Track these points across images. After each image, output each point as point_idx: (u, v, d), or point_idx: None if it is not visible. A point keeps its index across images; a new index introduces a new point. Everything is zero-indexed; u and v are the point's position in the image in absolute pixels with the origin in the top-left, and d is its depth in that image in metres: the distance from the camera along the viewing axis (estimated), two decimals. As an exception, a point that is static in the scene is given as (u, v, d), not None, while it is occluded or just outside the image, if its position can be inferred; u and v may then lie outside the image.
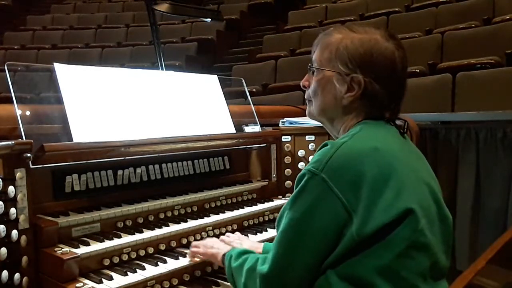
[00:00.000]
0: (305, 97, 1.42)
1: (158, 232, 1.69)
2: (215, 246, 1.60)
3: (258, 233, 1.97)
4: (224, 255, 1.48)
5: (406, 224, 1.10)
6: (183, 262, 1.63)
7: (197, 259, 1.65)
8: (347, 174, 1.12)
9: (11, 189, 1.38)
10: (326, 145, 1.20)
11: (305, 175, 1.16)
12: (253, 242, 1.76)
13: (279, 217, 1.24)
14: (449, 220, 1.27)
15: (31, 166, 1.47)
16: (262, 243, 1.69)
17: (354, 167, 1.12)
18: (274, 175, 2.42)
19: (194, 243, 1.68)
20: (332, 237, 1.12)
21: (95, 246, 1.52)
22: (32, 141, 1.45)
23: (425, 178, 1.24)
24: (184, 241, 1.76)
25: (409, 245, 1.10)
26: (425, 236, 1.13)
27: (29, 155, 1.42)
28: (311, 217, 1.13)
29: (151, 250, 1.67)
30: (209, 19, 2.80)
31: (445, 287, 1.24)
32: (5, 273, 1.32)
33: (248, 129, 2.35)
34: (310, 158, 2.31)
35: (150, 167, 1.92)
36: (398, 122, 1.34)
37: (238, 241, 1.72)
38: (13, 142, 1.40)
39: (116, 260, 1.56)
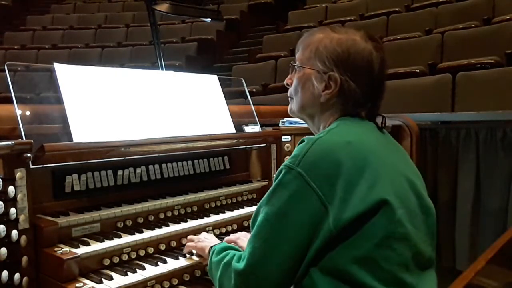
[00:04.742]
0: (288, 94, 1.45)
1: (158, 232, 1.69)
2: (206, 239, 1.63)
3: (258, 233, 1.97)
4: (210, 248, 1.48)
5: (381, 214, 1.11)
6: (183, 262, 1.63)
7: (195, 258, 1.65)
8: (323, 167, 1.14)
9: (11, 189, 1.38)
10: (303, 141, 1.22)
11: (282, 170, 1.20)
12: None
13: (255, 215, 1.24)
14: (432, 210, 1.28)
15: (31, 166, 1.46)
16: None
17: (329, 160, 1.14)
18: (274, 175, 2.41)
19: (189, 237, 1.71)
20: (309, 231, 1.13)
21: (95, 246, 1.52)
22: (32, 141, 1.45)
23: (403, 171, 1.25)
24: (184, 241, 1.76)
25: (387, 235, 1.11)
26: (404, 227, 1.14)
27: (29, 155, 1.42)
28: (288, 212, 1.15)
29: (151, 250, 1.67)
30: (209, 19, 2.79)
31: (433, 276, 1.24)
32: (5, 273, 1.33)
33: (248, 129, 2.35)
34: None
35: (150, 167, 1.92)
36: (377, 119, 1.36)
37: (244, 238, 1.72)
38: (13, 142, 1.40)
39: (116, 260, 1.56)
